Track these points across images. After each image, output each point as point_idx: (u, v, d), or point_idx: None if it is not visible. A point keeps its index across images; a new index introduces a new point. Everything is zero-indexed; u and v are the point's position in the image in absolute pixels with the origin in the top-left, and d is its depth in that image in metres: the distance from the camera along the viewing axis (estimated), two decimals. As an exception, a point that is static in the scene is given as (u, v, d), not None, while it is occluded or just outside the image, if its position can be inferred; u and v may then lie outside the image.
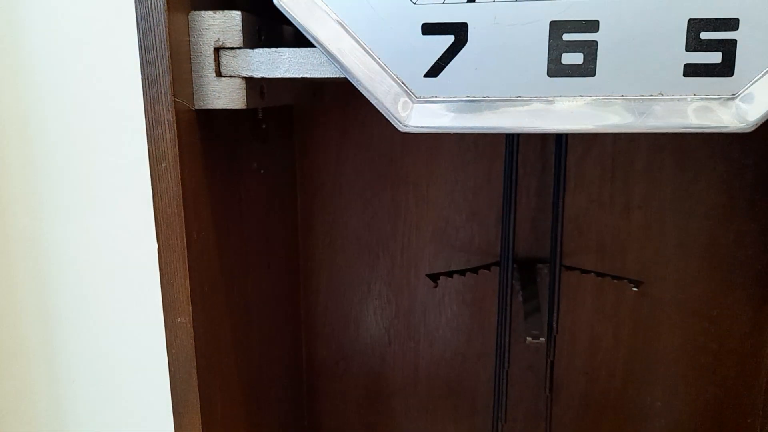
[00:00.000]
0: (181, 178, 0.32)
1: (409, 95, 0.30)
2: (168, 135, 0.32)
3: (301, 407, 0.62)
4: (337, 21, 0.29)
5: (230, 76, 0.33)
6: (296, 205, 0.58)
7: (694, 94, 0.28)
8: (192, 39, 0.32)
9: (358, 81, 0.30)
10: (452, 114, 0.30)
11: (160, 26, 0.30)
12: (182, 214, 0.32)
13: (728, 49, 0.27)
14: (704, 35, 0.27)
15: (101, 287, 0.67)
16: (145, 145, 0.33)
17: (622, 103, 0.28)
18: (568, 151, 0.52)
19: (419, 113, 0.30)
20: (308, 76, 0.32)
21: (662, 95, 0.28)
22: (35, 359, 0.71)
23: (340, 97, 0.55)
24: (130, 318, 0.68)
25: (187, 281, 0.33)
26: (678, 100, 0.28)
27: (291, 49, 0.32)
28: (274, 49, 0.32)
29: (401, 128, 0.30)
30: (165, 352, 0.36)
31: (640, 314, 0.57)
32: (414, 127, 0.30)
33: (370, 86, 0.30)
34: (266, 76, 0.33)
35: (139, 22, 0.30)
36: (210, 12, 0.32)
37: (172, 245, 0.33)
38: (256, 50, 0.32)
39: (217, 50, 0.32)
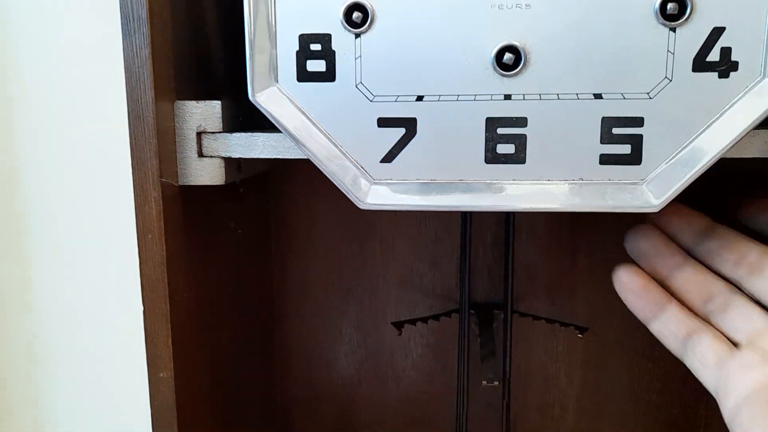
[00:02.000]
0: (166, 249, 0.35)
1: (366, 178, 0.33)
2: (154, 211, 0.35)
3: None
4: (305, 114, 0.33)
5: (211, 156, 0.36)
6: (270, 256, 0.61)
7: (609, 179, 0.32)
8: (177, 125, 0.36)
9: (322, 164, 0.34)
10: (405, 194, 0.33)
11: (149, 117, 0.34)
12: (166, 280, 0.36)
13: (636, 142, 0.31)
14: (615, 131, 0.31)
15: (90, 340, 0.70)
16: (129, 216, 0.36)
17: (549, 186, 0.32)
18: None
19: (376, 193, 0.34)
20: (279, 157, 0.36)
21: (582, 180, 0.32)
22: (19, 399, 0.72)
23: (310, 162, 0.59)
24: (115, 374, 0.70)
25: (170, 340, 0.36)
26: (596, 184, 0.32)
27: (264, 134, 0.36)
28: (249, 134, 0.36)
29: (360, 206, 0.34)
30: (146, 403, 0.38)
31: (590, 354, 0.60)
32: (371, 204, 0.34)
33: (332, 169, 0.34)
34: (242, 156, 0.36)
35: (130, 113, 0.34)
36: (193, 102, 0.36)
37: (156, 308, 0.36)
38: (234, 134, 0.36)
39: (199, 134, 0.36)
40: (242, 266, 0.53)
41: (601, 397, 0.61)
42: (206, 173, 0.37)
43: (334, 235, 0.61)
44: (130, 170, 0.35)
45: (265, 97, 0.33)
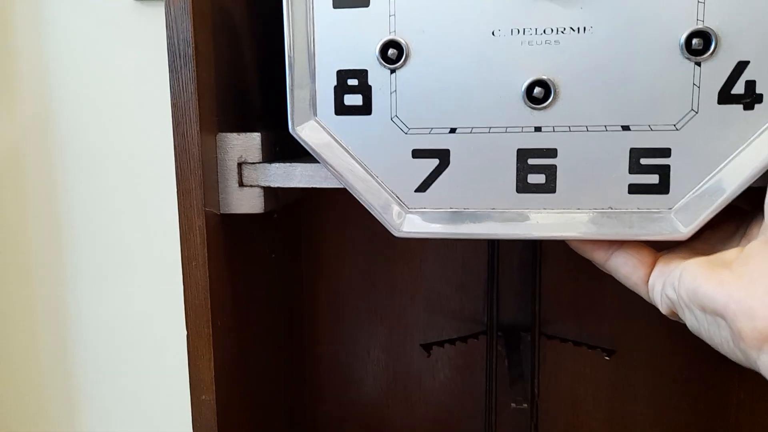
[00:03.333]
0: (209, 275, 0.37)
1: (402, 206, 0.35)
2: (198, 239, 0.36)
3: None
4: (342, 146, 0.35)
5: (251, 186, 0.38)
6: (302, 280, 0.62)
7: (638, 208, 0.32)
8: (219, 156, 0.37)
9: (359, 194, 0.35)
10: (439, 223, 0.34)
11: (194, 149, 0.35)
12: (209, 305, 0.37)
13: (664, 172, 0.32)
14: (643, 161, 0.32)
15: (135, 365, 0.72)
16: (172, 243, 0.37)
17: (579, 215, 0.33)
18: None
19: (411, 222, 0.35)
20: (316, 186, 0.37)
21: (612, 209, 0.33)
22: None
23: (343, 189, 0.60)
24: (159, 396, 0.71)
25: (212, 363, 0.37)
26: (625, 213, 0.32)
27: (302, 164, 0.37)
28: (288, 164, 0.37)
29: (396, 233, 0.35)
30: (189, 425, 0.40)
31: (617, 377, 0.61)
32: (406, 232, 0.35)
33: (369, 199, 0.35)
34: (281, 186, 0.37)
35: (176, 147, 0.35)
36: (234, 134, 0.37)
37: (199, 332, 0.37)
38: (273, 165, 0.37)
39: (240, 165, 0.38)
40: (275, 290, 0.54)
41: (628, 420, 0.61)
42: (246, 202, 0.38)
43: (362, 260, 0.62)
44: (175, 199, 0.37)
45: (305, 130, 0.35)
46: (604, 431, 0.62)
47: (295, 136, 0.35)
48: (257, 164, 0.37)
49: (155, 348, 0.72)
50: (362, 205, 0.35)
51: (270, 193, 0.39)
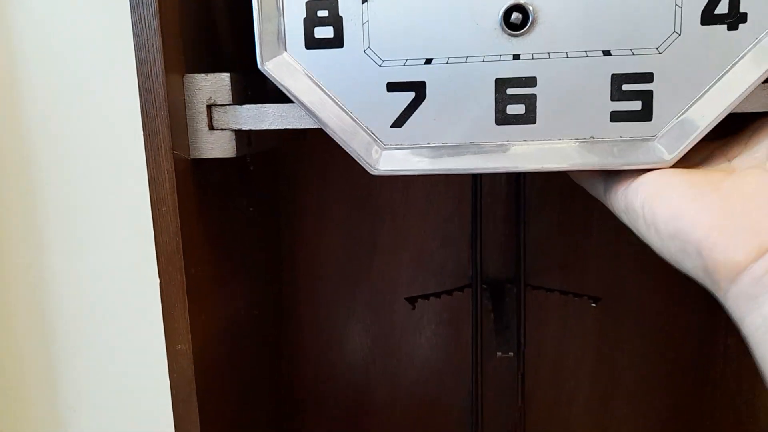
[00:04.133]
0: (180, 220, 0.35)
1: (378, 143, 0.33)
2: (168, 183, 0.35)
3: (288, 425, 0.65)
4: (314, 82, 0.33)
5: (221, 129, 0.36)
6: (281, 236, 0.61)
7: (621, 137, 0.31)
8: (187, 98, 0.36)
9: (333, 132, 0.33)
10: (416, 159, 0.33)
11: (159, 90, 0.34)
12: (181, 251, 0.36)
13: (646, 98, 0.31)
14: (625, 87, 0.31)
15: (104, 317, 0.70)
16: (143, 190, 0.36)
17: (560, 145, 0.32)
18: (532, 181, 0.57)
19: (387, 159, 0.33)
20: (290, 127, 0.36)
21: (594, 138, 0.32)
22: (36, 386, 0.73)
23: (320, 138, 0.59)
24: (133, 345, 0.70)
25: (186, 312, 0.36)
26: (607, 141, 0.31)
27: (274, 105, 0.36)
28: (259, 105, 0.36)
29: (372, 171, 0.34)
30: (165, 377, 0.39)
31: (603, 328, 0.60)
32: (383, 170, 0.34)
33: (343, 136, 0.33)
34: (253, 128, 0.36)
35: (141, 86, 0.34)
36: (203, 75, 0.36)
37: (172, 280, 0.36)
38: (244, 106, 0.36)
39: (210, 107, 0.36)
40: (254, 245, 0.53)
41: (614, 370, 0.61)
42: (217, 146, 0.37)
43: (344, 215, 0.61)
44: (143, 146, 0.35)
45: (273, 66, 0.33)
46: (590, 381, 0.62)
47: (264, 71, 0.33)
48: (227, 106, 0.36)
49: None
50: (342, 157, 0.34)
51: (242, 136, 0.38)
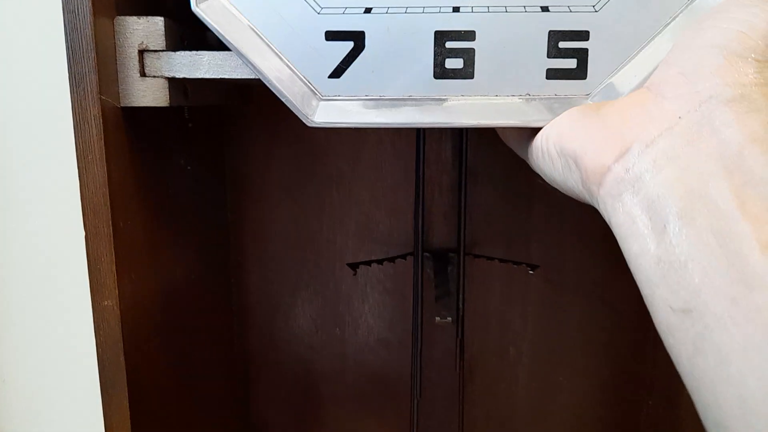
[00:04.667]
0: (107, 170, 0.34)
1: (315, 94, 0.32)
2: (94, 130, 0.33)
3: (235, 393, 0.64)
4: (250, 27, 0.32)
5: (154, 77, 0.35)
6: (226, 200, 0.60)
7: (556, 94, 0.31)
8: (117, 42, 0.34)
9: (269, 81, 0.32)
10: (354, 111, 0.32)
11: (86, 29, 0.32)
12: (108, 203, 0.34)
13: (581, 56, 0.31)
14: (562, 44, 0.31)
15: (29, 276, 0.67)
16: (70, 141, 0.34)
17: (497, 101, 0.32)
18: (476, 154, 0.57)
19: (324, 110, 0.32)
20: (226, 77, 0.34)
21: (530, 95, 0.32)
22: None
23: (267, 99, 0.57)
24: (58, 306, 0.68)
25: (114, 266, 0.35)
26: (543, 99, 0.31)
27: (210, 52, 0.34)
28: (194, 52, 0.34)
29: (309, 123, 0.33)
30: (92, 338, 0.37)
31: (545, 298, 0.61)
32: (320, 122, 0.33)
33: (280, 86, 0.32)
34: (187, 76, 0.34)
35: (66, 25, 0.32)
36: (134, 17, 0.34)
37: (98, 232, 0.35)
38: (178, 53, 0.34)
39: (141, 52, 0.34)
40: (196, 209, 0.52)
41: (555, 340, 0.62)
42: (149, 94, 0.35)
43: (290, 182, 0.60)
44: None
45: (207, 7, 0.32)
46: (532, 351, 0.63)
47: (197, 13, 0.32)
48: (160, 52, 0.34)
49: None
50: (290, 120, 0.33)
51: (177, 86, 0.36)
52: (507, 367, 0.63)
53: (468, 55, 0.31)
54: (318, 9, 0.31)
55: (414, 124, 0.32)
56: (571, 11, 0.30)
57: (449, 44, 0.31)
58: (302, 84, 0.32)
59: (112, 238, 0.35)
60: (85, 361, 0.69)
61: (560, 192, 0.33)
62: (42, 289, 0.68)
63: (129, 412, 0.37)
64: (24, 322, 0.69)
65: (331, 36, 0.32)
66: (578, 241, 0.59)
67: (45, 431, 0.72)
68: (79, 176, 0.34)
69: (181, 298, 0.48)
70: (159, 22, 0.34)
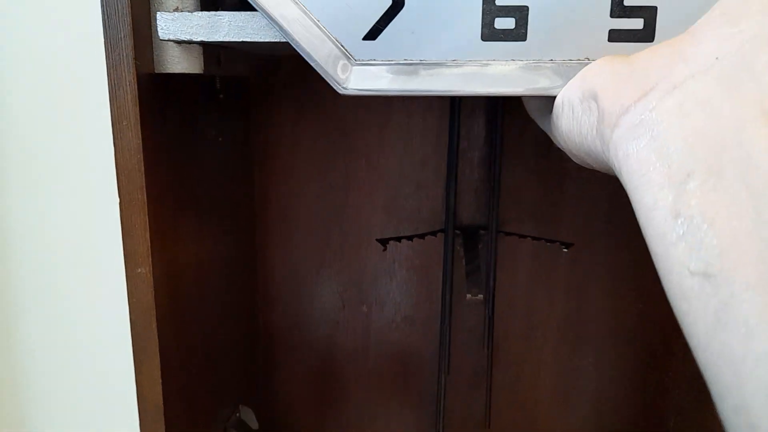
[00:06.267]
0: (142, 137, 0.34)
1: (348, 58, 0.30)
2: (129, 95, 0.33)
3: (257, 367, 0.64)
4: None
5: (168, 40, 0.32)
6: (252, 175, 0.60)
7: None
8: (153, 7, 0.34)
9: (298, 44, 0.30)
10: (390, 77, 0.30)
11: (122, -7, 0.32)
12: (143, 169, 0.34)
13: (650, 15, 0.28)
14: (627, 2, 0.28)
15: (62, 252, 0.68)
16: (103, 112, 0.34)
17: (551, 67, 0.29)
18: (509, 130, 0.56)
19: (358, 76, 0.30)
20: (248, 40, 0.32)
21: (588, 59, 0.29)
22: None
23: (295, 72, 0.57)
24: (92, 276, 0.69)
25: (147, 233, 0.35)
26: None
27: (231, 12, 0.31)
28: (213, 13, 0.32)
29: (340, 90, 0.30)
30: (124, 306, 0.37)
31: (572, 279, 0.60)
32: (353, 89, 0.30)
33: (310, 49, 0.30)
34: (205, 40, 0.32)
35: (102, -12, 0.32)
36: (169, -19, 0.34)
37: (132, 199, 0.34)
38: (195, 13, 0.32)
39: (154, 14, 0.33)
40: (224, 180, 0.51)
41: (582, 318, 0.61)
42: (184, 61, 0.34)
43: (317, 156, 0.59)
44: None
45: None
46: (558, 334, 0.62)
47: None
48: (175, 12, 0.32)
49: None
50: (318, 91, 0.31)
51: (211, 52, 0.36)
52: (533, 349, 0.62)
53: (521, 14, 0.29)
54: None
55: (457, 92, 0.30)
56: None
57: (500, 1, 0.29)
58: (333, 46, 0.30)
59: (146, 206, 0.34)
60: (116, 329, 0.70)
61: (591, 172, 0.31)
62: (72, 261, 0.68)
63: (161, 379, 0.38)
64: (56, 291, 0.70)
65: None
66: (608, 223, 0.58)
67: (78, 395, 0.73)
68: (114, 142, 0.34)
69: (208, 269, 0.48)
70: (194, -14, 0.34)
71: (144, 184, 0.34)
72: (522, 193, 0.58)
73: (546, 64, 0.29)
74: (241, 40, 0.32)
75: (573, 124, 0.28)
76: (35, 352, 0.72)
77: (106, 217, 0.66)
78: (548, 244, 0.53)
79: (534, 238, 0.54)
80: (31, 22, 0.62)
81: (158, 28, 0.32)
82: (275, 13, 0.30)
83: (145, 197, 0.34)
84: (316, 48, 0.30)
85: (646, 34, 0.28)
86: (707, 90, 0.23)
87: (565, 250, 0.52)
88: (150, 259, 0.35)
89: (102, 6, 0.32)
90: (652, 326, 0.61)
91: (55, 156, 0.65)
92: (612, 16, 0.28)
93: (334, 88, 0.31)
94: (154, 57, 0.35)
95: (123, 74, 0.33)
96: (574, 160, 0.31)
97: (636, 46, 0.28)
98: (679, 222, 0.22)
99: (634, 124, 0.24)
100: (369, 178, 0.60)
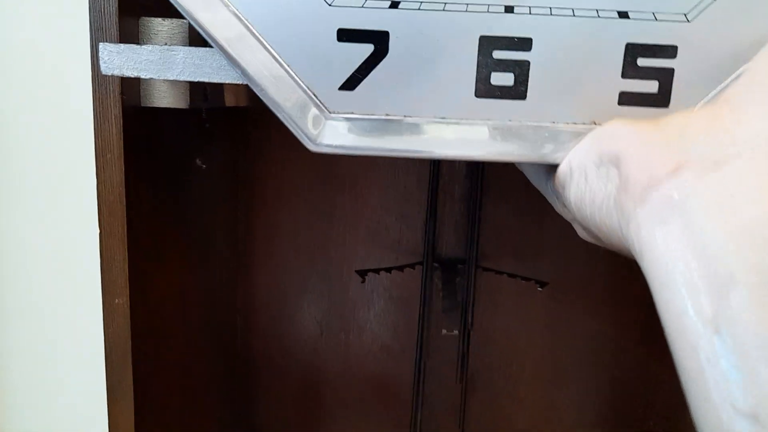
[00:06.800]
0: (125, 170, 0.34)
1: (321, 110, 0.26)
2: (114, 129, 0.33)
3: (237, 395, 0.64)
4: (240, 19, 0.26)
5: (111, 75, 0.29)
6: (237, 202, 0.60)
7: None
8: (141, 42, 0.34)
9: (262, 90, 0.26)
10: (370, 134, 0.26)
11: (112, 29, 0.32)
12: (124, 202, 0.34)
13: (665, 78, 0.25)
14: (642, 62, 0.25)
15: (39, 274, 0.67)
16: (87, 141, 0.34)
17: (553, 130, 0.26)
18: (491, 165, 0.56)
19: (332, 131, 0.27)
20: (204, 80, 0.29)
21: (595, 124, 0.26)
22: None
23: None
24: (67, 305, 0.68)
25: (126, 264, 0.35)
26: None
27: (186, 48, 0.29)
28: (166, 47, 0.28)
29: (311, 147, 0.27)
30: (99, 337, 0.37)
31: (550, 315, 0.61)
32: (326, 146, 0.27)
33: (276, 97, 0.26)
34: (155, 77, 0.29)
35: (92, 24, 0.32)
36: (159, 19, 0.33)
37: (113, 231, 0.34)
38: (144, 47, 0.28)
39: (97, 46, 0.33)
40: (208, 208, 0.52)
41: (561, 355, 0.62)
42: (169, 95, 0.35)
43: (303, 185, 0.60)
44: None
45: None
46: (535, 368, 0.62)
47: (173, 2, 0.26)
48: (122, 44, 0.29)
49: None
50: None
51: (196, 87, 0.36)
52: (509, 383, 0.63)
53: (521, 69, 0.25)
54: (330, 0, 0.25)
55: (448, 155, 0.26)
56: (656, 19, 0.25)
57: (498, 54, 0.25)
58: (305, 96, 0.26)
59: (125, 238, 0.34)
60: (90, 358, 0.69)
61: None
62: (48, 287, 0.68)
63: (134, 414, 0.37)
64: (30, 319, 0.69)
65: (346, 36, 0.26)
66: (588, 259, 0.59)
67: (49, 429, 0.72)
68: (96, 174, 0.34)
69: (189, 298, 0.48)
70: (184, 23, 0.34)
71: (125, 217, 0.34)
72: (501, 228, 0.59)
73: (547, 127, 0.26)
74: (197, 80, 0.28)
75: (585, 193, 0.25)
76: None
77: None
78: (524, 281, 0.53)
79: (510, 275, 0.54)
80: (19, 54, 0.62)
81: (101, 61, 0.28)
82: (235, 52, 0.26)
83: (126, 230, 0.34)
84: (284, 96, 0.26)
85: (661, 99, 0.25)
86: (757, 174, 0.19)
87: (540, 289, 0.52)
88: (128, 290, 0.35)
89: (91, 40, 0.33)
90: (628, 361, 0.62)
91: (36, 180, 0.65)
92: (624, 76, 0.25)
93: (304, 143, 0.27)
94: (141, 90, 0.35)
95: (109, 107, 0.33)
96: (579, 233, 0.28)
97: (648, 111, 0.25)
98: (720, 341, 0.18)
99: (665, 204, 0.20)
100: (353, 207, 0.60)
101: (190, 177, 0.46)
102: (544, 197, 0.57)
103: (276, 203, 0.60)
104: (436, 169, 0.50)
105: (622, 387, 0.62)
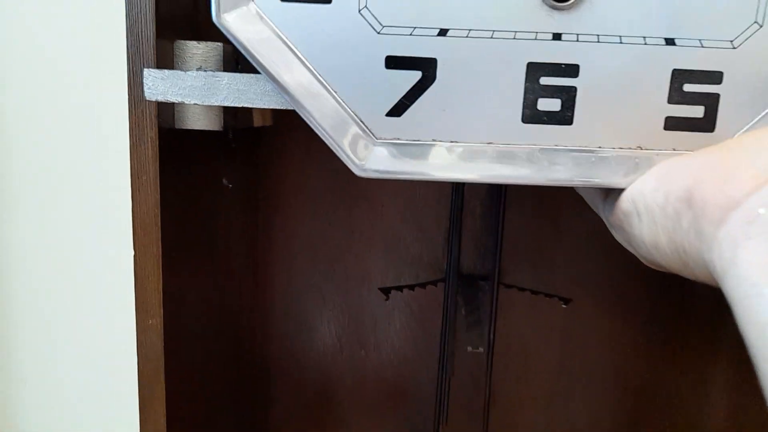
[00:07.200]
0: (160, 192, 0.34)
1: (368, 135, 0.27)
2: (150, 151, 0.33)
3: (254, 408, 0.64)
4: (288, 46, 0.26)
5: (153, 101, 0.31)
6: (257, 217, 0.60)
7: (674, 149, 0.26)
8: (176, 65, 0.34)
9: (310, 116, 0.27)
10: (416, 160, 0.27)
11: (149, 52, 0.32)
12: (159, 223, 0.34)
13: (711, 103, 0.25)
14: (687, 87, 0.25)
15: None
16: (122, 162, 0.34)
17: (598, 155, 0.26)
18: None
19: (379, 156, 0.27)
20: (249, 105, 0.29)
21: (641, 148, 0.26)
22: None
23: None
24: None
25: (160, 285, 0.35)
26: (657, 154, 0.26)
27: (230, 74, 0.29)
28: (211, 73, 0.29)
29: (358, 172, 0.27)
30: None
31: (570, 328, 0.61)
32: (373, 171, 0.27)
33: (323, 123, 0.27)
34: (198, 102, 0.29)
35: (129, 47, 0.32)
36: (194, 42, 0.34)
37: (148, 252, 0.34)
38: (189, 73, 0.29)
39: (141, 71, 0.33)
40: (231, 223, 0.52)
41: (578, 368, 0.62)
42: (204, 118, 0.35)
43: (322, 199, 0.60)
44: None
45: (234, 19, 0.25)
46: (555, 379, 0.62)
47: (220, 26, 0.26)
48: (166, 70, 0.29)
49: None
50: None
51: (229, 109, 0.36)
52: (527, 398, 0.62)
53: (568, 95, 0.26)
54: (378, 27, 0.25)
55: (495, 179, 0.27)
56: (702, 46, 0.25)
57: (545, 80, 0.26)
58: (352, 122, 0.27)
59: (160, 259, 0.35)
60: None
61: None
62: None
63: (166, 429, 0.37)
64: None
65: (393, 63, 0.26)
66: (605, 272, 0.59)
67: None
68: (132, 196, 0.34)
69: (213, 313, 0.48)
70: (218, 47, 0.34)
71: (159, 236, 0.34)
72: (519, 243, 0.59)
73: (594, 151, 0.26)
74: (240, 105, 0.29)
75: (657, 232, 0.25)
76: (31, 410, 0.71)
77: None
78: (547, 298, 0.53)
79: (533, 292, 0.54)
80: (57, 75, 0.62)
81: (145, 87, 0.29)
82: (284, 79, 0.26)
83: (161, 250, 0.35)
84: (330, 121, 0.27)
85: (707, 124, 0.26)
86: None
87: (564, 306, 0.52)
88: (162, 310, 0.36)
89: (128, 63, 0.33)
90: (651, 377, 0.61)
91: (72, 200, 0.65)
92: (670, 101, 0.26)
93: (351, 168, 0.27)
94: (175, 113, 0.35)
95: (145, 130, 0.33)
96: (643, 261, 0.28)
97: (694, 135, 0.26)
98: None
99: (747, 221, 0.20)
100: (372, 221, 0.60)
101: (216, 194, 0.46)
102: (559, 213, 0.58)
103: (294, 217, 0.60)
104: (460, 186, 0.50)
105: (644, 403, 0.62)
